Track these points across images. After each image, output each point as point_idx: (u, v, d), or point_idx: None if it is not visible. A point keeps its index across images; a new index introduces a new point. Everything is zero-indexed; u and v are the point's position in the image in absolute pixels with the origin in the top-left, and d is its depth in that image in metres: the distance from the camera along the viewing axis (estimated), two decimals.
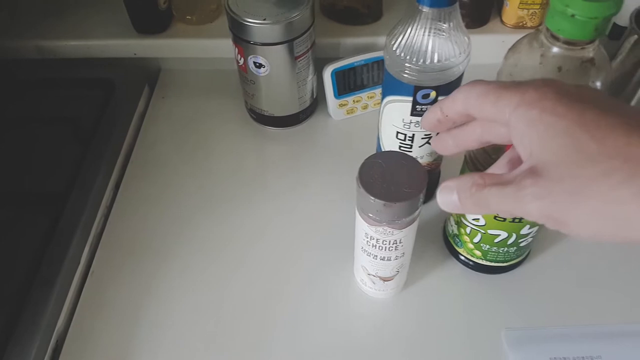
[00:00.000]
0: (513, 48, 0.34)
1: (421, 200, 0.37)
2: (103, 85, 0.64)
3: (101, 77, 0.65)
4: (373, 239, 0.40)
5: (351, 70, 0.60)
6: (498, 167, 0.32)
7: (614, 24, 0.63)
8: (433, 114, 0.32)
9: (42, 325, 0.44)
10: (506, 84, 0.27)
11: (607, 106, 0.24)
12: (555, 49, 0.31)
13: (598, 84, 0.32)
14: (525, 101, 0.25)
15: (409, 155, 0.39)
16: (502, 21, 0.65)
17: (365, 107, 0.64)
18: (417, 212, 0.38)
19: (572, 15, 0.28)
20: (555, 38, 0.30)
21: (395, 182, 0.37)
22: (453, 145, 0.33)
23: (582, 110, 0.24)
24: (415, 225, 0.40)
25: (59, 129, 0.59)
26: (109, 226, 0.53)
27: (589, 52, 0.31)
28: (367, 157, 0.38)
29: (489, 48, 0.56)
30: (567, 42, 0.30)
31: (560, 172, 0.24)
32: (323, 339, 0.45)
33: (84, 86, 0.64)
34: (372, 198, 0.36)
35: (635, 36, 0.53)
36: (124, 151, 0.60)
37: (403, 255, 0.43)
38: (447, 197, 0.29)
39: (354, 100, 0.63)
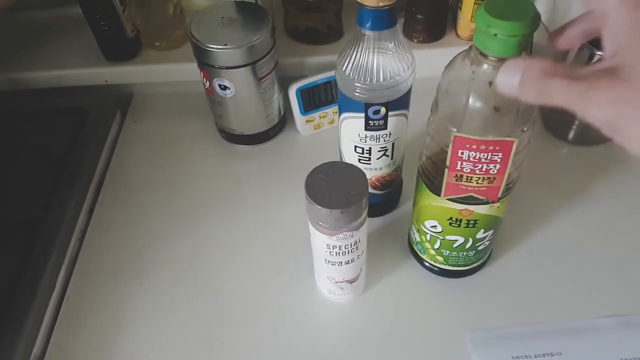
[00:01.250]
0: (449, 65, 0.37)
1: (367, 196, 0.40)
2: (75, 113, 0.66)
3: (73, 105, 0.66)
4: (336, 247, 0.43)
5: (315, 87, 0.63)
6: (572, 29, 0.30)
7: None
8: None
9: (18, 351, 0.45)
10: None
11: None
12: (485, 66, 0.33)
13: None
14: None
15: (342, 162, 0.41)
16: (457, 34, 0.68)
17: (331, 122, 0.66)
18: (366, 208, 0.41)
19: (495, 35, 0.31)
20: (483, 55, 0.33)
21: (341, 188, 0.39)
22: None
23: None
24: (366, 218, 0.42)
25: (32, 158, 0.61)
26: (84, 250, 0.55)
27: None
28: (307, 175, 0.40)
29: (445, 61, 0.59)
30: (495, 59, 0.33)
31: None
32: (296, 351, 0.47)
33: (56, 115, 0.66)
34: (329, 210, 0.38)
35: None
36: (97, 176, 0.61)
37: (363, 252, 0.45)
38: (509, 78, 0.27)
39: (320, 116, 0.65)
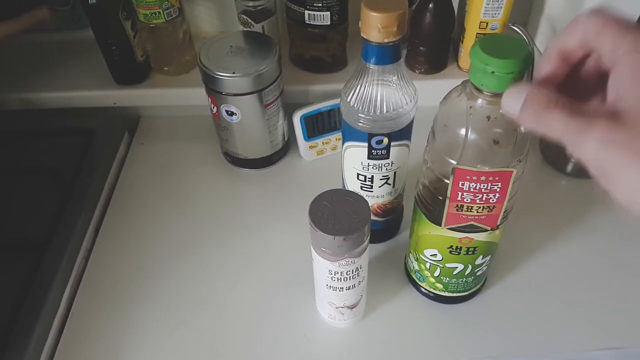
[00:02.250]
0: (444, 100, 0.38)
1: (370, 224, 0.41)
2: (84, 134, 0.67)
3: (82, 126, 0.68)
4: (337, 273, 0.43)
5: (319, 115, 0.64)
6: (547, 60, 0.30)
7: None
8: (549, 61, 0.29)
9: None
10: (629, 23, 0.26)
11: None
12: (480, 101, 0.35)
13: (523, 129, 0.35)
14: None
15: (345, 190, 0.42)
16: (458, 66, 0.70)
17: (334, 148, 0.68)
18: (368, 236, 0.42)
19: (492, 72, 0.32)
20: (479, 91, 0.34)
21: (344, 215, 0.40)
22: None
23: None
24: (367, 245, 0.43)
25: (40, 177, 0.62)
26: (89, 269, 0.56)
27: None
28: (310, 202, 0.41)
29: (447, 92, 0.61)
30: (491, 94, 0.34)
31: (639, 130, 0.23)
32: None
33: (65, 135, 0.67)
34: (332, 236, 0.39)
35: None
36: (104, 196, 0.62)
37: (364, 279, 0.46)
38: (512, 102, 0.28)
39: (323, 142, 0.67)
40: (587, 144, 0.25)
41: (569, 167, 0.63)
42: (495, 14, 0.63)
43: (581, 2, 0.62)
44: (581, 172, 0.63)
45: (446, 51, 0.69)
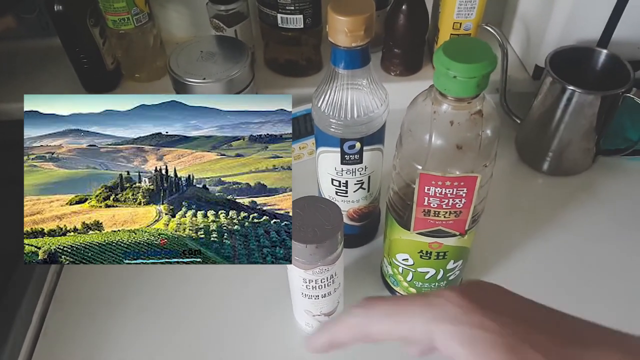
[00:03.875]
0: (411, 105, 0.37)
1: (342, 231, 0.40)
2: None
3: None
4: (312, 281, 0.43)
5: (295, 119, 0.64)
6: None
7: (536, 65, 0.68)
8: (321, 340, 0.29)
9: None
10: (407, 299, 0.26)
11: (528, 317, 0.26)
12: (445, 106, 0.34)
13: (488, 132, 0.35)
14: (448, 317, 0.25)
15: (318, 197, 0.42)
16: (433, 67, 0.70)
17: (311, 153, 0.67)
18: (342, 243, 0.41)
19: (454, 77, 0.32)
20: (443, 96, 0.34)
21: (316, 223, 0.39)
22: None
23: (510, 323, 0.24)
24: (341, 252, 0.42)
25: (9, 189, 0.60)
26: (62, 283, 0.54)
27: (476, 105, 0.34)
28: None
29: None
30: (455, 99, 0.34)
31: None
32: None
33: None
34: (304, 245, 0.39)
35: (551, 78, 0.57)
36: None
37: (339, 285, 0.45)
38: None
39: (299, 147, 0.66)
40: None
41: (545, 166, 0.63)
42: (469, 14, 0.63)
43: (553, 1, 0.63)
44: (557, 171, 0.63)
45: (421, 52, 0.69)
